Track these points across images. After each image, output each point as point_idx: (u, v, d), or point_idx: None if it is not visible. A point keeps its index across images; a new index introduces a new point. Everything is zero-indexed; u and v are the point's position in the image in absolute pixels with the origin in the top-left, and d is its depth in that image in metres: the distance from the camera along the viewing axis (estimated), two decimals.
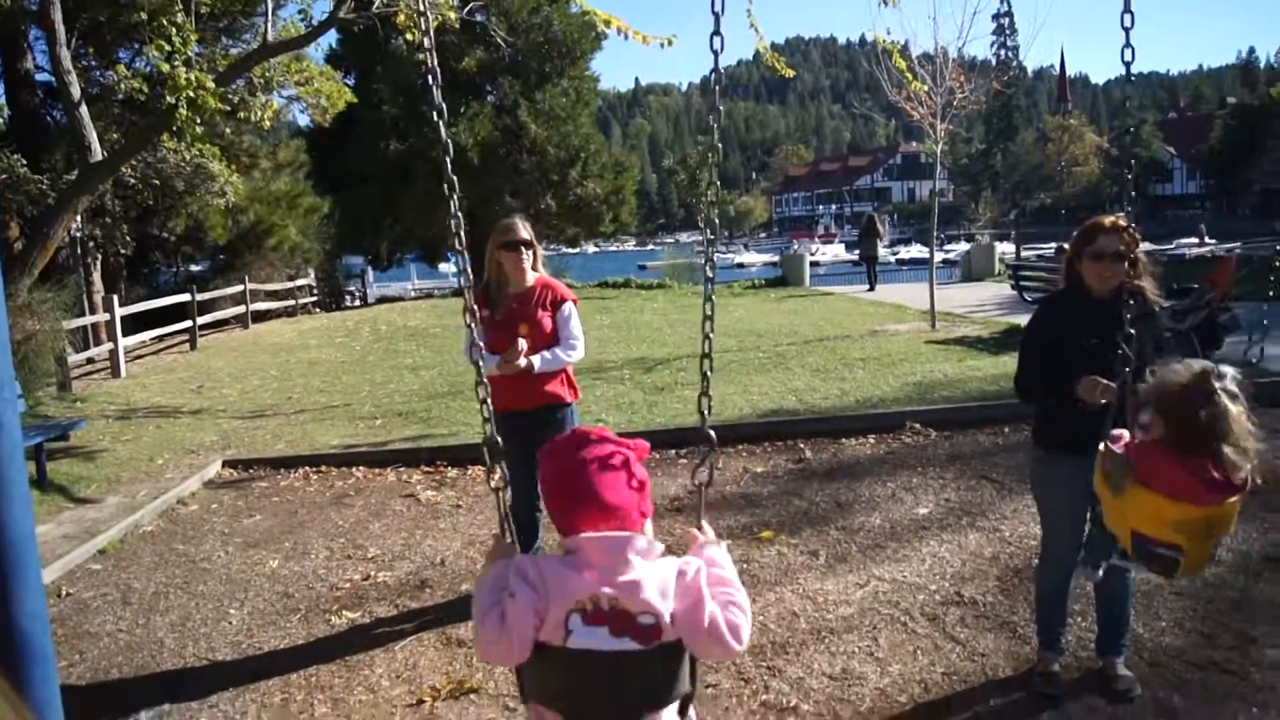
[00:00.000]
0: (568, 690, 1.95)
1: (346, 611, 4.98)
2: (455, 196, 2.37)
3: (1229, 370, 2.84)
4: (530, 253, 4.65)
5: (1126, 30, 2.92)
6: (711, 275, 2.36)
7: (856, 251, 27.88)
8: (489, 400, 2.43)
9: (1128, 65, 2.99)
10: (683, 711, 2.03)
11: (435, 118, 2.31)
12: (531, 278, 4.68)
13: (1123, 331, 3.29)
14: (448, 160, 2.32)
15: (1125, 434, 3.18)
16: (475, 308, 2.52)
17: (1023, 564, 5.05)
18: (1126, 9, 2.88)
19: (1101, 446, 3.14)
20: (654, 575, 1.92)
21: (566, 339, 4.61)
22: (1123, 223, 3.50)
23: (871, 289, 23.06)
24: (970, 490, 6.45)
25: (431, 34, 2.28)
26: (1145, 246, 3.70)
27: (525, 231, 4.64)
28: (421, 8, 2.32)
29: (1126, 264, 3.49)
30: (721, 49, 2.18)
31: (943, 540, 5.51)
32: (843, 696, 3.83)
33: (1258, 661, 3.92)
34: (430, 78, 2.32)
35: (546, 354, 4.52)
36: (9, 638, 2.40)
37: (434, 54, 2.36)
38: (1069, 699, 3.73)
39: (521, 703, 2.22)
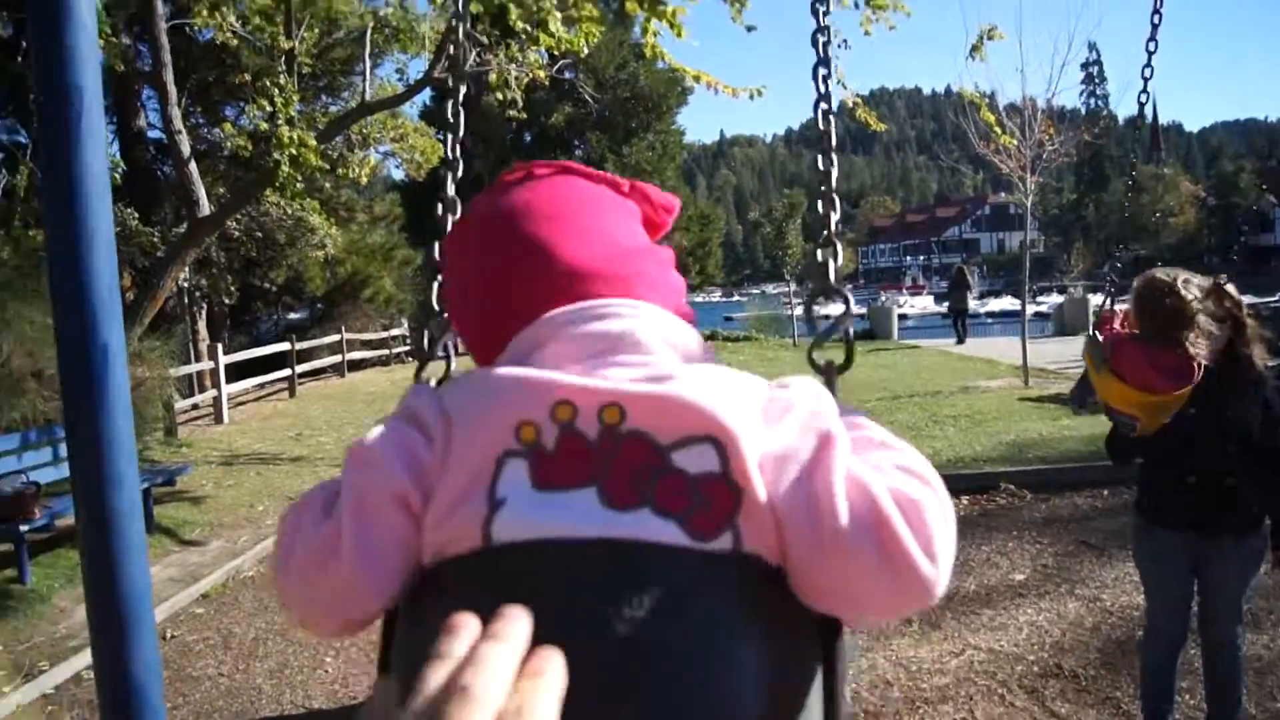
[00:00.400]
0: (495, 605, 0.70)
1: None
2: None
3: (1196, 277, 3.41)
4: None
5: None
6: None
7: (946, 304, 27.49)
8: None
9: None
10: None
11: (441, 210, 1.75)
12: None
13: (1221, 399, 3.31)
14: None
15: (1115, 314, 3.75)
16: None
17: (1125, 635, 4.89)
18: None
19: (1089, 331, 3.74)
20: (703, 376, 0.87)
21: None
22: (1226, 285, 3.38)
23: (960, 342, 22.78)
24: (1068, 556, 6.27)
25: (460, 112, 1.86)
26: (1248, 299, 3.64)
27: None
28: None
29: (1226, 329, 3.31)
30: (828, 83, 1.57)
31: (1040, 608, 5.37)
32: None
33: None
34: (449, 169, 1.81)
35: None
36: (124, 689, 2.50)
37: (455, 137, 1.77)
38: None
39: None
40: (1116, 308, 3.79)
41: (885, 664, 4.73)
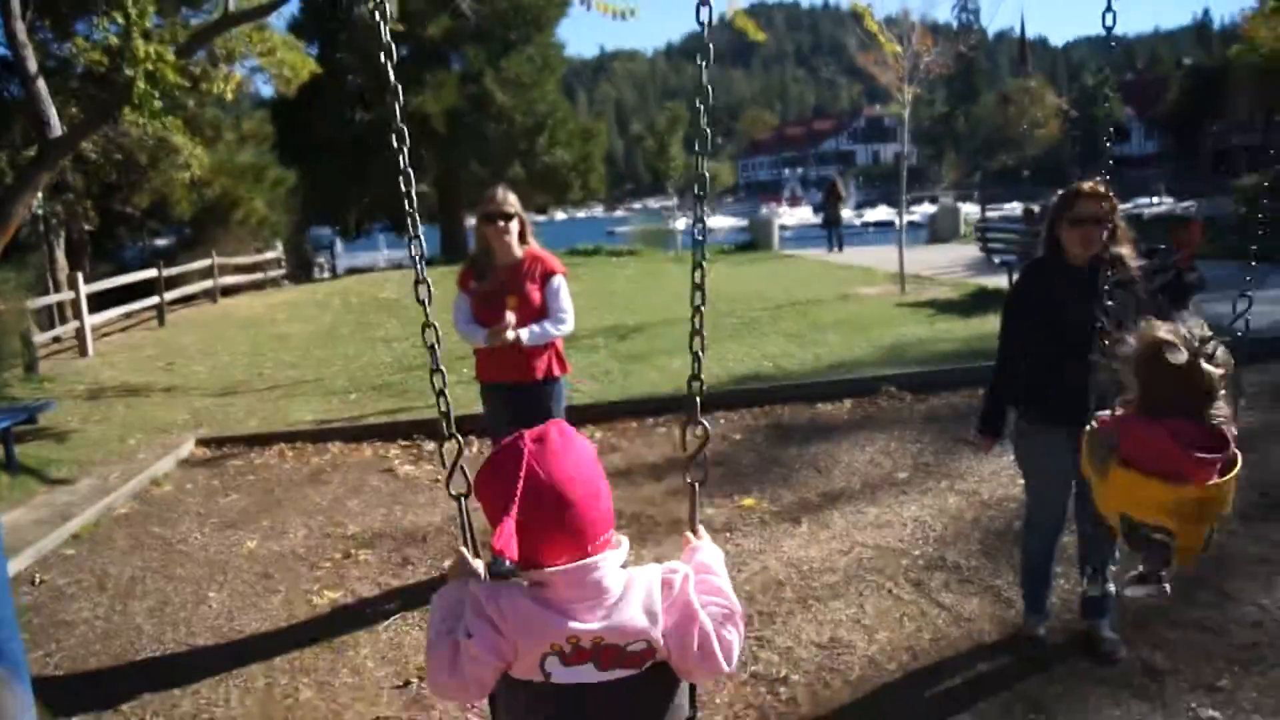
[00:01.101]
0: (558, 713, 1.68)
1: (328, 591, 4.94)
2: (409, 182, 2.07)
3: (1196, 324, 2.76)
4: (515, 224, 4.58)
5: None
6: (702, 238, 2.06)
7: (821, 215, 28.03)
8: (445, 393, 2.09)
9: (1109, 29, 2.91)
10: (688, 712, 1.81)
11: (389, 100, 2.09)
12: (520, 250, 4.63)
13: (1103, 300, 3.21)
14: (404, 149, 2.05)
15: (1106, 413, 3.00)
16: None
17: (1003, 527, 5.09)
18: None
19: (1086, 429, 3.02)
20: (637, 595, 1.65)
21: (555, 312, 4.60)
22: (1102, 188, 3.46)
23: (839, 250, 23.51)
24: (948, 454, 6.48)
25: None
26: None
27: (508, 204, 4.56)
28: None
29: (1105, 230, 3.45)
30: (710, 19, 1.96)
31: (923, 504, 5.54)
32: (832, 666, 3.84)
33: (1237, 618, 3.97)
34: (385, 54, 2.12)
35: (535, 328, 4.51)
36: None
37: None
38: (1056, 662, 3.76)
39: None
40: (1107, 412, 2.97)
41: (777, 565, 4.82)
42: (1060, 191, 3.77)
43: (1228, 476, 2.64)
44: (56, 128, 10.61)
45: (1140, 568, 2.81)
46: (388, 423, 8.24)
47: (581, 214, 69.90)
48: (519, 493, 1.58)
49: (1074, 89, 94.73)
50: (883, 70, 14.59)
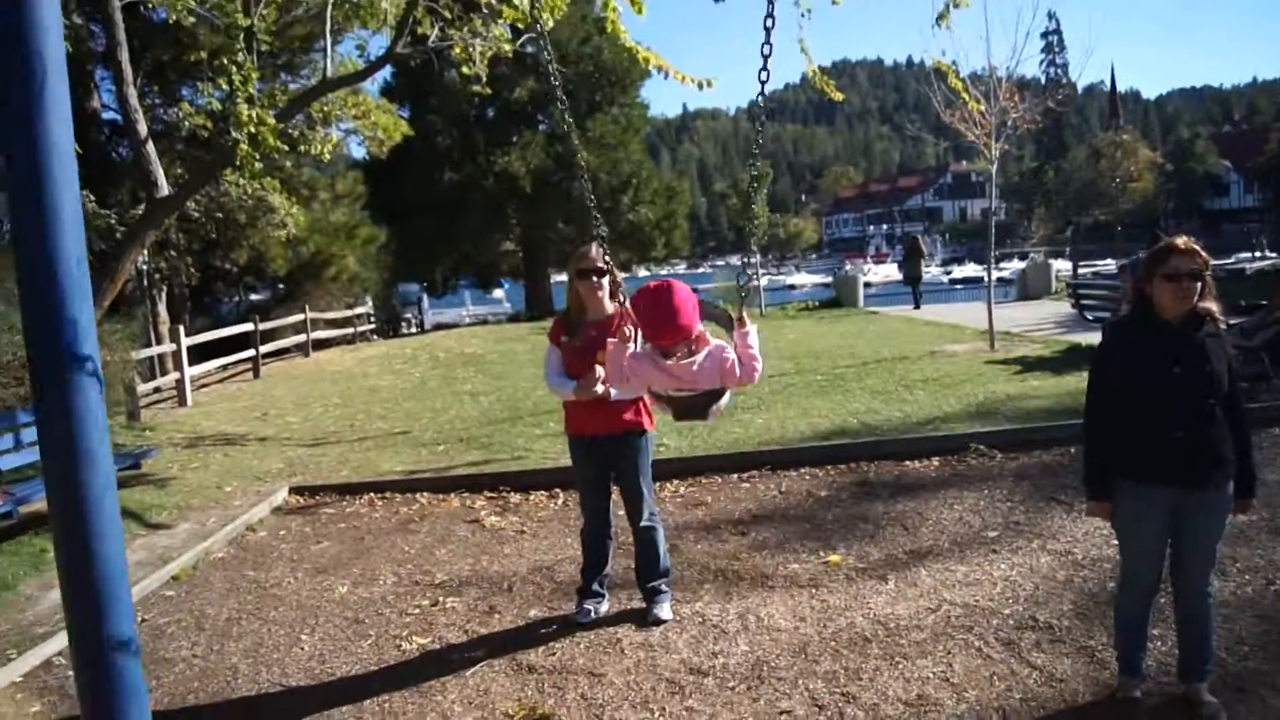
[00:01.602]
0: (673, 406, 3.53)
1: (417, 637, 5.02)
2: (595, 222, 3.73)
3: None
4: (606, 280, 4.71)
5: None
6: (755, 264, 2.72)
7: (902, 273, 27.93)
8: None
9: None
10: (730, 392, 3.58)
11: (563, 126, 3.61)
12: (611, 306, 4.73)
13: (1198, 355, 3.46)
14: (585, 179, 3.06)
15: None
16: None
17: (1097, 588, 4.96)
18: None
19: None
20: (708, 369, 3.38)
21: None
22: (1195, 244, 3.53)
23: (916, 308, 23.57)
24: (1039, 512, 6.34)
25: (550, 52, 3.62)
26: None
27: (601, 260, 4.68)
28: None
29: (1199, 285, 3.51)
30: (767, 79, 3.21)
31: (1013, 564, 5.43)
32: None
33: None
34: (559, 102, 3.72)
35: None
36: (103, 671, 2.47)
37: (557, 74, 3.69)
38: None
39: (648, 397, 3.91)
40: None
41: (864, 622, 4.76)
42: (1151, 247, 3.81)
43: None
44: (164, 188, 11.14)
45: None
46: (474, 474, 8.38)
47: (664, 271, 70.50)
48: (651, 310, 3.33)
49: (1168, 141, 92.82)
50: (969, 126, 14.51)
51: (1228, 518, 3.68)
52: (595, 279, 4.69)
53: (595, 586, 5.11)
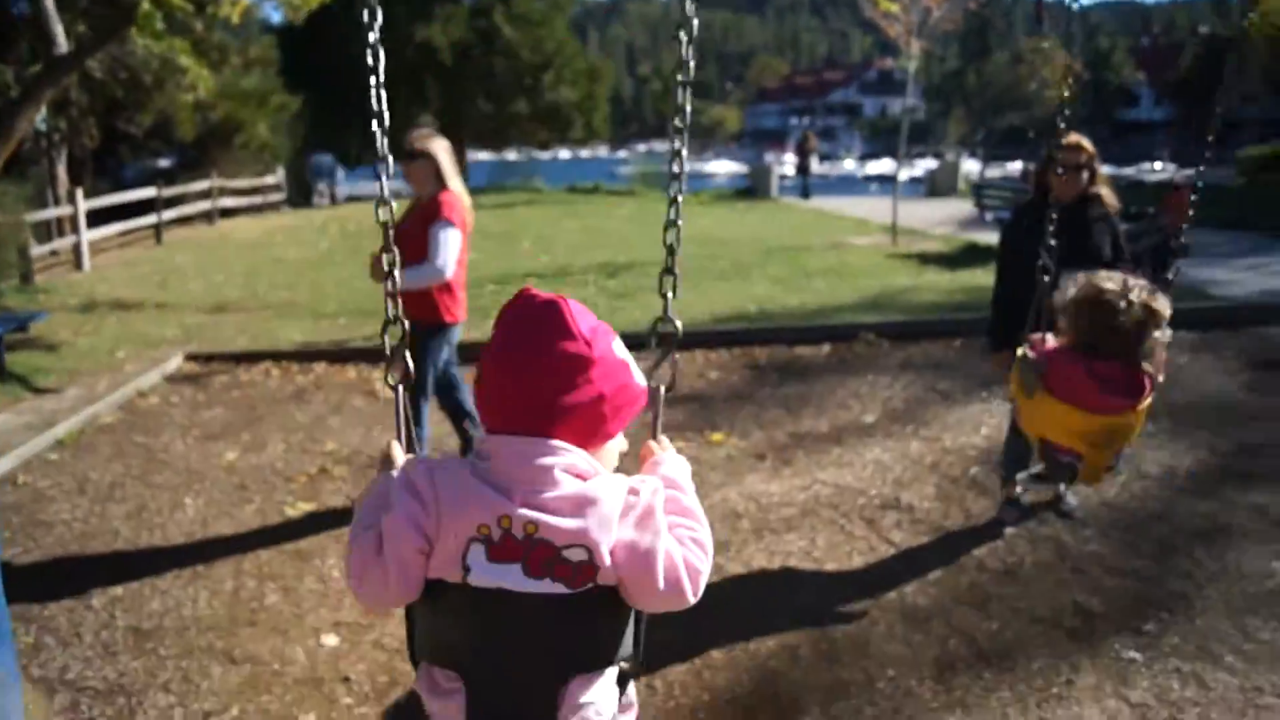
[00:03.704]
0: (466, 642, 1.45)
1: (301, 503, 5.08)
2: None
3: (1140, 281, 3.19)
4: (427, 163, 4.64)
5: None
6: (680, 170, 1.88)
7: (794, 164, 28.65)
8: (394, 296, 1.92)
9: None
10: (621, 684, 1.54)
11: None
12: (433, 190, 4.66)
13: (1082, 230, 4.14)
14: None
15: (1044, 338, 3.51)
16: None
17: (960, 473, 5.23)
18: None
19: (1018, 351, 3.52)
20: (590, 496, 1.42)
21: (428, 258, 4.55)
22: (1082, 140, 4.29)
23: (805, 197, 24.73)
24: (917, 401, 6.60)
25: None
26: (1107, 169, 4.44)
27: (419, 143, 4.66)
28: None
29: (1085, 174, 4.27)
30: None
31: (885, 448, 5.68)
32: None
33: (1174, 570, 4.12)
34: None
35: (411, 270, 4.48)
36: None
37: None
38: (994, 600, 3.94)
39: (410, 664, 1.60)
40: (1046, 337, 3.50)
41: (737, 497, 4.96)
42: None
43: (1139, 408, 3.20)
44: (63, 45, 10.53)
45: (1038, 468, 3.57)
46: (372, 346, 8.34)
47: (585, 153, 69.42)
48: (502, 351, 1.49)
49: (1088, 50, 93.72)
50: (890, 23, 14.47)
51: None
52: (409, 161, 4.65)
53: None
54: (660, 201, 18.66)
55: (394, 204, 1.93)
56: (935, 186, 25.40)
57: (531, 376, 1.44)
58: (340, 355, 8.21)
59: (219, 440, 6.20)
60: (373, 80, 1.93)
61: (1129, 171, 33.18)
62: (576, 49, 34.19)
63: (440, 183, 4.66)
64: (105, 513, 5.05)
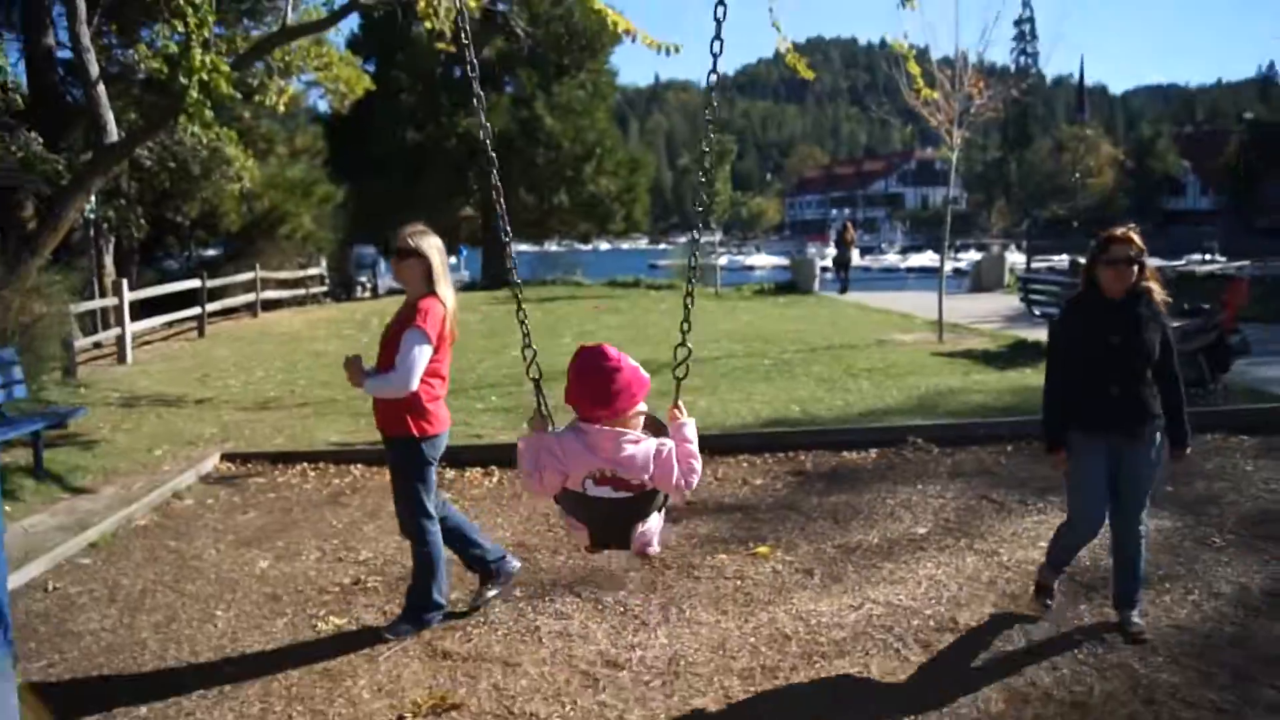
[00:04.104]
0: (589, 516, 3.06)
1: (334, 617, 4.93)
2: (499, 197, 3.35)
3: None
4: (417, 263, 4.45)
5: None
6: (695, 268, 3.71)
7: (832, 257, 28.55)
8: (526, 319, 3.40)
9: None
10: (660, 509, 3.14)
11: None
12: (420, 292, 4.48)
13: (1133, 327, 4.22)
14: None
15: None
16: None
17: (1019, 590, 4.97)
18: None
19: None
20: (641, 455, 2.90)
21: (395, 365, 4.39)
22: (1132, 233, 4.29)
23: (843, 292, 24.74)
24: (970, 511, 6.36)
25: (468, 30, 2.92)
26: (1155, 262, 4.51)
27: (412, 239, 4.45)
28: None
29: (1135, 268, 4.24)
30: (720, 52, 3.10)
31: (939, 563, 5.43)
32: None
33: (1254, 701, 3.84)
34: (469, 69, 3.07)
35: (377, 378, 4.39)
36: None
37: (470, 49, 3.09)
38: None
39: (561, 517, 3.29)
40: None
41: (785, 618, 4.74)
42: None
43: None
44: (113, 133, 10.79)
45: None
46: None
47: (625, 245, 70.27)
48: (579, 377, 2.92)
49: (1130, 139, 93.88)
50: (932, 112, 14.50)
51: (1159, 467, 4.41)
52: (400, 259, 4.50)
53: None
54: (702, 296, 18.63)
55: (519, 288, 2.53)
56: (980, 280, 25.22)
57: (599, 381, 2.89)
58: (377, 457, 8.10)
59: (253, 547, 6.09)
60: (489, 166, 3.22)
61: (1178, 263, 32.73)
62: (617, 139, 34.70)
63: (429, 284, 4.45)
64: (135, 623, 4.94)
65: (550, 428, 3.19)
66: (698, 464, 3.02)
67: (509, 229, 3.35)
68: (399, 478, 4.59)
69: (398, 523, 4.70)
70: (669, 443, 2.94)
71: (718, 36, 3.13)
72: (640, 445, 2.89)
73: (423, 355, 4.35)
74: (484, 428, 8.99)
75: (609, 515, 2.99)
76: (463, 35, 3.23)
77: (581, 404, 2.92)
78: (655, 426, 3.12)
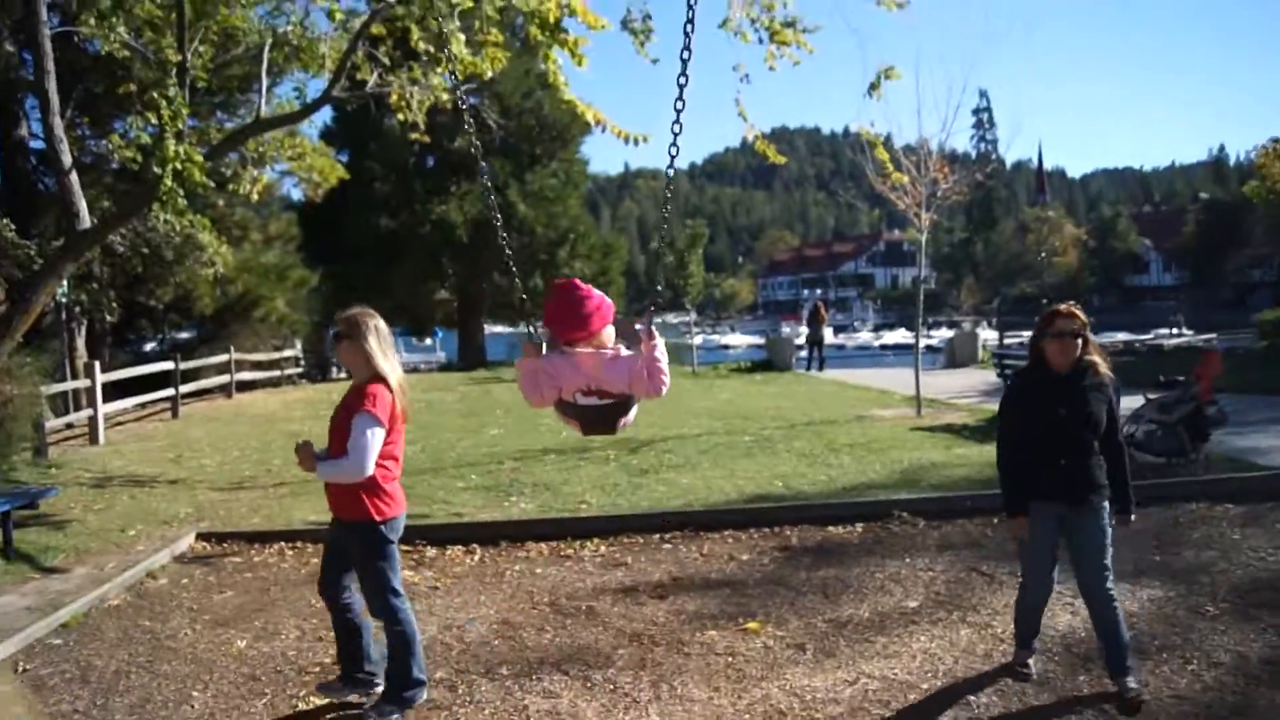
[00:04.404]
0: (581, 418, 3.61)
1: (314, 698, 4.77)
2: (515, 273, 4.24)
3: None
4: (352, 345, 4.37)
5: None
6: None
7: (804, 335, 28.64)
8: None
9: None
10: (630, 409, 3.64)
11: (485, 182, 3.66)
12: (363, 376, 4.38)
13: (1080, 400, 4.37)
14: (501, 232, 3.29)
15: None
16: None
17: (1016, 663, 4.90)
18: None
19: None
20: (620, 370, 3.47)
21: (348, 450, 4.25)
22: (1075, 308, 4.45)
23: (820, 369, 25.12)
24: (960, 583, 6.30)
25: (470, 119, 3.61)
26: (1124, 336, 4.84)
27: (350, 322, 4.38)
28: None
29: (1079, 342, 4.38)
30: (679, 130, 3.64)
31: (933, 635, 5.36)
32: None
33: None
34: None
35: (329, 463, 4.29)
36: None
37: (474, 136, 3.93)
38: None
39: (557, 418, 3.78)
40: None
41: (779, 694, 4.64)
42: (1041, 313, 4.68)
43: None
44: (85, 220, 10.79)
45: None
46: None
47: None
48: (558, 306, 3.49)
49: (1092, 219, 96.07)
50: (900, 196, 14.77)
51: (1108, 532, 4.47)
52: (340, 342, 4.42)
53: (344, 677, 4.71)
54: (678, 376, 18.68)
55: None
56: (955, 356, 25.44)
57: (574, 308, 3.44)
58: None
59: (229, 627, 5.93)
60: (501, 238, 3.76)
61: (1146, 338, 33.18)
62: (590, 225, 35.09)
63: (371, 366, 4.35)
64: (109, 704, 4.78)
65: (544, 350, 3.65)
66: (667, 378, 3.49)
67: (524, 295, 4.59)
68: (363, 562, 4.46)
69: (367, 604, 4.55)
70: (639, 361, 3.46)
71: (677, 121, 3.63)
72: (617, 363, 3.47)
73: (375, 439, 4.26)
74: (464, 506, 8.87)
75: (597, 416, 3.59)
76: (465, 119, 4.46)
77: (561, 328, 3.49)
78: (628, 332, 3.67)
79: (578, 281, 3.48)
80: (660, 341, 3.47)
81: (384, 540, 4.41)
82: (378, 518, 4.37)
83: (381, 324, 4.45)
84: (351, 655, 4.66)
